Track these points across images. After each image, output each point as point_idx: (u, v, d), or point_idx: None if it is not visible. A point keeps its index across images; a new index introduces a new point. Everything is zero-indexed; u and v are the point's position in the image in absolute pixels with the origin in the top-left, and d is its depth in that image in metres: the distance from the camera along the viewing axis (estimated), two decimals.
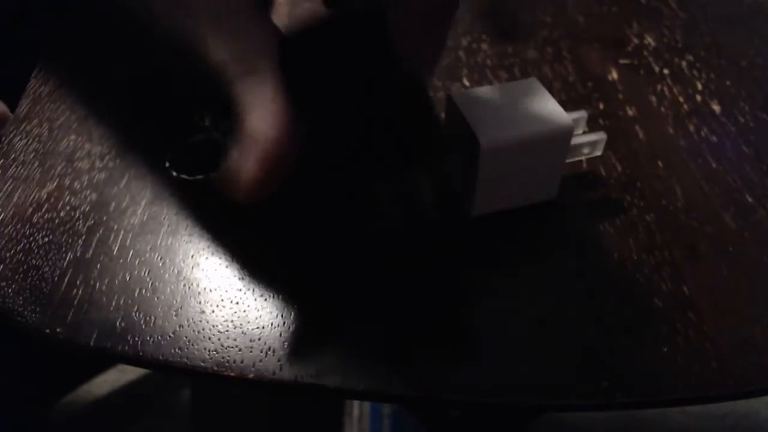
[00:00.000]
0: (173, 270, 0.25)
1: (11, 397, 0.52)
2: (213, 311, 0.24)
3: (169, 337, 0.23)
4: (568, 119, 0.25)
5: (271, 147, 0.21)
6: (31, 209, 0.27)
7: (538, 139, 0.25)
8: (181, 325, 0.23)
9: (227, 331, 0.23)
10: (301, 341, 0.23)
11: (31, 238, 0.26)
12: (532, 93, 0.27)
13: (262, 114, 0.21)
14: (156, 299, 0.24)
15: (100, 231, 0.27)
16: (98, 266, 0.25)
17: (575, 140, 0.27)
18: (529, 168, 0.26)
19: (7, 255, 0.26)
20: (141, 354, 0.23)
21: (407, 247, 0.26)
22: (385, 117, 0.24)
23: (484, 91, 0.27)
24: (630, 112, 0.33)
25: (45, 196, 0.28)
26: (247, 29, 0.23)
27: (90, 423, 0.66)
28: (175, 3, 0.24)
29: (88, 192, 0.28)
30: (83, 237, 0.26)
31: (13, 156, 0.30)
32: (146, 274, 0.25)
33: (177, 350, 0.23)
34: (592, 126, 0.32)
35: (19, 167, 0.29)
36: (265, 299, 0.24)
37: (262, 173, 0.21)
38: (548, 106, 0.26)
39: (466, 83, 0.35)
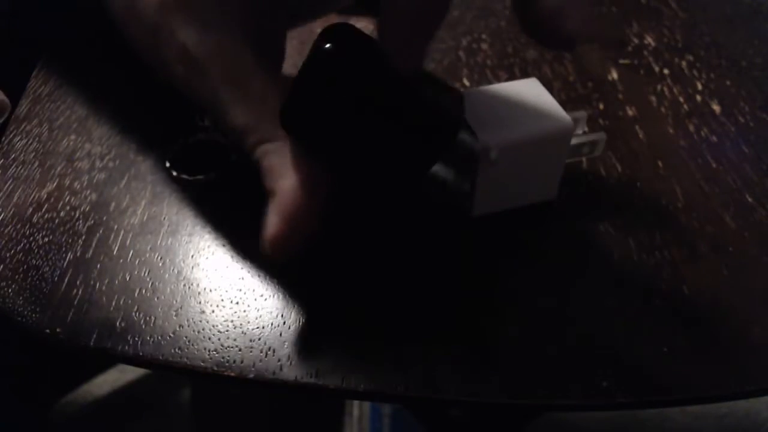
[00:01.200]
0: (173, 270, 0.25)
1: (11, 397, 0.52)
2: (213, 311, 0.24)
3: (169, 337, 0.23)
4: (569, 119, 0.25)
5: (300, 211, 0.22)
6: (31, 209, 0.27)
7: (538, 138, 0.25)
8: (181, 325, 0.23)
9: (227, 331, 0.23)
10: (301, 341, 0.23)
11: (31, 238, 0.26)
12: (532, 93, 0.27)
13: (287, 179, 0.22)
14: (156, 299, 0.24)
15: (100, 231, 0.27)
16: (98, 266, 0.25)
17: (575, 140, 0.27)
18: (529, 167, 0.26)
19: (7, 255, 0.26)
20: (141, 354, 0.23)
21: (407, 247, 0.26)
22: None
23: (485, 90, 0.27)
24: (630, 112, 0.33)
25: (45, 196, 0.28)
26: (265, 94, 0.23)
27: (90, 423, 0.66)
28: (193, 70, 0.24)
29: (88, 192, 0.28)
30: (83, 237, 0.26)
31: (13, 156, 0.30)
32: (146, 274, 0.25)
33: (177, 350, 0.23)
34: (592, 126, 0.32)
35: (19, 167, 0.29)
36: (265, 299, 0.24)
37: (291, 236, 0.22)
38: (548, 106, 0.26)
39: (466, 83, 0.35)
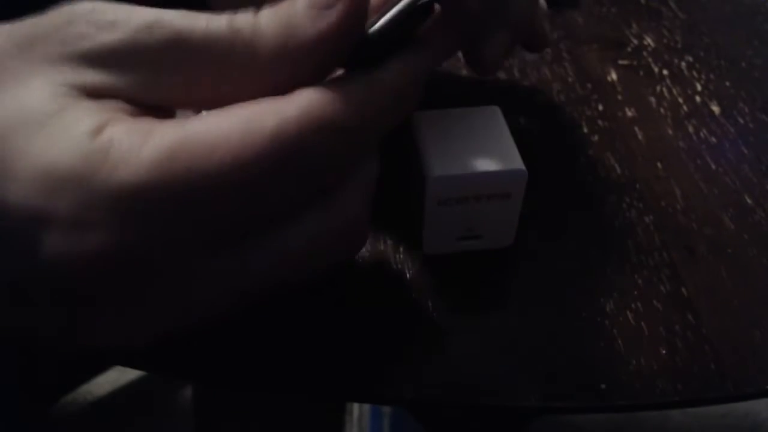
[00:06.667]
0: None
1: (11, 397, 0.52)
2: None
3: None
4: (523, 167, 0.24)
5: None
6: None
7: (489, 179, 0.24)
8: None
9: (227, 333, 0.23)
10: (301, 343, 0.23)
11: None
12: (491, 125, 0.25)
13: None
14: None
15: None
16: None
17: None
18: (480, 209, 0.24)
19: None
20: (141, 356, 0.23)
21: (403, 249, 0.26)
22: None
23: (442, 115, 0.26)
24: (629, 113, 0.33)
25: None
26: None
27: (90, 423, 0.66)
28: None
29: None
30: None
31: None
32: None
33: (174, 354, 0.23)
34: (591, 127, 0.32)
35: None
36: (264, 303, 0.24)
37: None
38: (505, 146, 0.24)
39: (466, 84, 0.34)
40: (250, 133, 0.17)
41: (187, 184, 0.16)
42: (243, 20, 0.18)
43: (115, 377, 0.69)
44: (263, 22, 0.18)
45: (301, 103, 0.18)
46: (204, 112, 0.18)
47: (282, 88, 0.18)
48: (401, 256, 0.26)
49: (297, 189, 0.18)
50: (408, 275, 0.25)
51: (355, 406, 0.70)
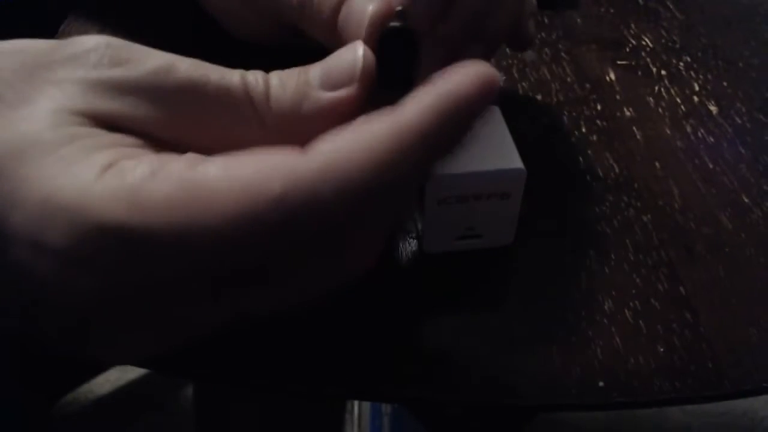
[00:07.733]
0: None
1: (11, 397, 0.52)
2: None
3: None
4: (522, 166, 0.24)
5: None
6: None
7: (488, 178, 0.24)
8: None
9: (226, 335, 0.23)
10: (301, 343, 0.23)
11: None
12: (491, 125, 0.25)
13: None
14: None
15: None
16: None
17: None
18: (479, 207, 0.25)
19: None
20: None
21: (403, 254, 0.26)
22: None
23: None
24: (627, 113, 0.33)
25: None
26: None
27: (91, 422, 0.66)
28: None
29: None
30: None
31: None
32: None
33: (177, 355, 0.23)
34: (589, 127, 0.32)
35: None
36: None
37: None
38: (504, 145, 0.25)
39: None
40: (254, 193, 0.16)
41: (178, 231, 0.16)
42: (254, 78, 0.19)
43: (116, 377, 0.70)
44: (274, 83, 0.19)
45: (316, 162, 0.16)
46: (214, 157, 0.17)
47: (294, 138, 0.17)
48: (401, 256, 0.26)
49: (302, 251, 0.17)
50: (408, 275, 0.25)
51: (356, 406, 0.70)
